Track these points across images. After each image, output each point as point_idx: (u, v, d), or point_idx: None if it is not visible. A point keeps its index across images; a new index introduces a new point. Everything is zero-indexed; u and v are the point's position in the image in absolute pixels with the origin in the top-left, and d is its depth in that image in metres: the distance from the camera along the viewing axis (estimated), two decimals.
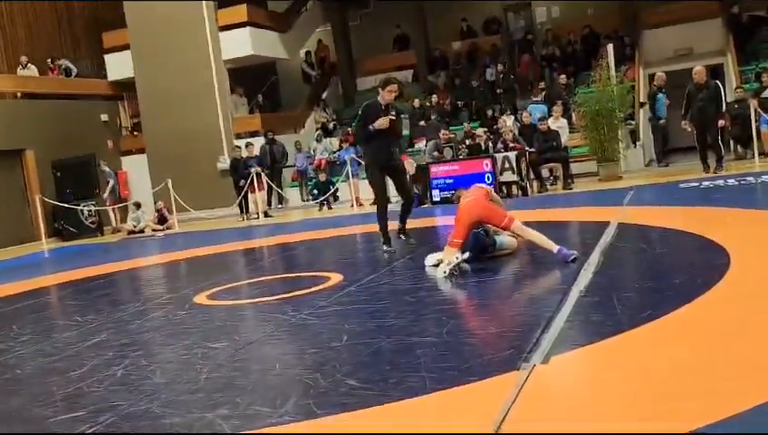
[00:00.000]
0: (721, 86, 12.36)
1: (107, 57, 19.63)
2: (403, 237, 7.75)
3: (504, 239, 6.34)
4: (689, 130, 12.53)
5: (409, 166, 7.60)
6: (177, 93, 17.66)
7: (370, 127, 7.17)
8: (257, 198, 16.00)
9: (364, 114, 7.33)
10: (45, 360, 4.60)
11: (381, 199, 7.61)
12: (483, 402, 2.91)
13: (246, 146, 16.45)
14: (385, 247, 7.50)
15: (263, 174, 15.98)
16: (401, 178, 7.65)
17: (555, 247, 5.82)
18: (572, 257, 5.67)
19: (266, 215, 15.95)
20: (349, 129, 18.87)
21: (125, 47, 18.74)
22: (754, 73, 15.78)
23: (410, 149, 17.58)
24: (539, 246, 6.01)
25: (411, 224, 8.20)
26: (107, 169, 17.87)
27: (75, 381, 3.98)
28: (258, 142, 17.14)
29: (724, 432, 2.39)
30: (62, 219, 16.94)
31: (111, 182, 17.75)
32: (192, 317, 5.47)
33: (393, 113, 7.28)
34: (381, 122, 7.13)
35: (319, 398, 3.18)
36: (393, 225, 7.71)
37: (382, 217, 7.53)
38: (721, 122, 12.19)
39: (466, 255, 5.91)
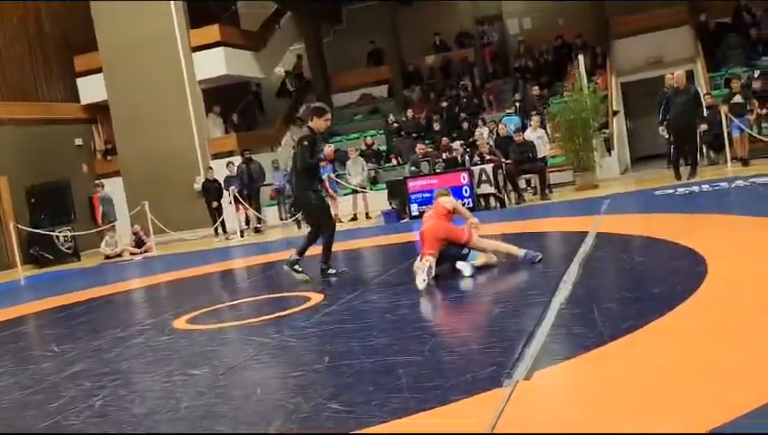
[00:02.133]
0: (701, 92, 12.43)
1: (79, 81, 19.48)
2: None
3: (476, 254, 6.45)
4: (666, 136, 12.64)
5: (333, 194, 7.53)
6: (152, 115, 17.57)
7: (322, 155, 7.17)
8: (241, 217, 16.10)
9: (312, 144, 7.13)
10: (22, 393, 4.51)
11: (333, 223, 7.53)
12: (467, 422, 2.88)
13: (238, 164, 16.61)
14: (333, 271, 7.32)
15: (236, 193, 16.05)
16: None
17: (521, 252, 6.23)
18: (538, 258, 6.12)
19: (256, 230, 16.08)
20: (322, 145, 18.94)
21: (97, 70, 18.64)
22: (724, 79, 16.02)
23: (387, 165, 17.66)
24: (505, 255, 6.37)
25: (391, 239, 8.21)
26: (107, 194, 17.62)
27: (53, 413, 3.90)
28: (235, 162, 17.12)
29: None
30: (37, 246, 16.70)
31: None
32: (172, 343, 5.40)
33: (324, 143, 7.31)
34: (330, 151, 7.16)
35: (301, 423, 3.14)
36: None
37: (332, 242, 7.37)
38: (703, 127, 12.23)
39: (431, 260, 6.03)
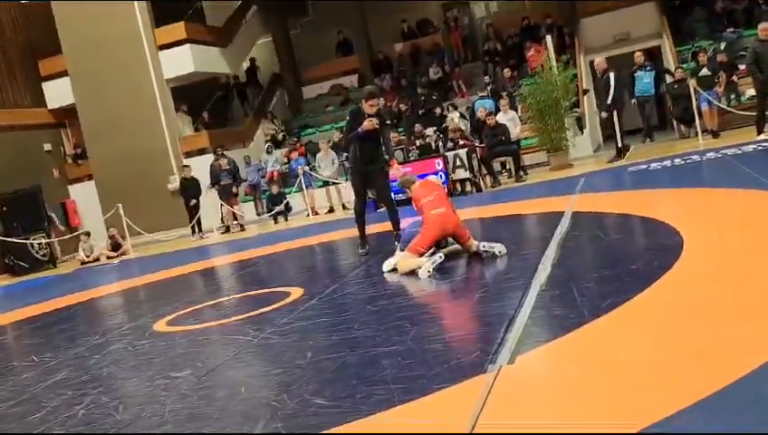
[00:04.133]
0: (612, 78, 12.59)
1: (45, 85, 19.23)
2: (397, 244, 7.52)
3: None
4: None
5: (394, 171, 7.71)
6: (121, 116, 17.38)
7: (359, 129, 7.37)
8: (230, 211, 16.07)
9: (353, 120, 7.57)
10: (2, 405, 4.45)
11: (357, 201, 7.81)
12: (452, 410, 2.88)
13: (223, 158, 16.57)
14: (359, 251, 7.65)
15: (211, 190, 15.98)
16: (381, 186, 7.83)
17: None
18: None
19: (227, 229, 16.03)
20: (295, 138, 18.89)
21: (63, 74, 18.39)
22: (691, 53, 16.14)
23: None
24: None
25: (368, 229, 8.18)
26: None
27: (35, 425, 3.85)
28: (208, 160, 16.98)
29: (685, 431, 2.41)
30: (12, 254, 16.48)
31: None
32: (153, 346, 5.35)
33: (376, 121, 7.44)
34: (367, 124, 7.33)
35: (287, 420, 3.13)
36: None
37: (358, 219, 7.74)
38: (603, 114, 12.54)
39: (441, 256, 5.98)
